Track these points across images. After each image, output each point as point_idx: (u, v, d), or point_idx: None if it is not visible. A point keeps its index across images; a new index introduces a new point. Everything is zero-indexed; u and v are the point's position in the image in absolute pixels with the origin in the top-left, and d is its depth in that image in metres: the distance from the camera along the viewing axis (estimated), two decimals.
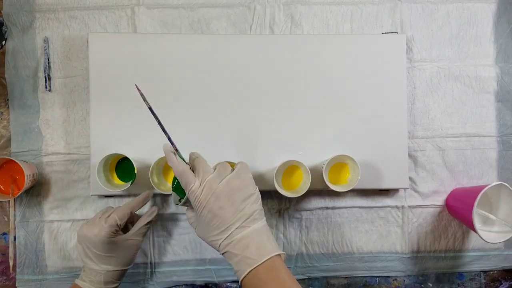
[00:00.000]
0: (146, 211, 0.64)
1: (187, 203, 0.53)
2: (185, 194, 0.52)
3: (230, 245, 0.49)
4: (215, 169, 0.52)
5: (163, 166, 0.67)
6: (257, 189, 0.53)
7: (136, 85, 0.51)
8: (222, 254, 0.51)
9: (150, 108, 0.51)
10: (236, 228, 0.49)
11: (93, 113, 0.66)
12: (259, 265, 0.47)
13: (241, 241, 0.49)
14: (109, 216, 0.59)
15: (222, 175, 0.51)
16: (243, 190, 0.51)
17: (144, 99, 0.51)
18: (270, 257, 0.48)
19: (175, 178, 0.57)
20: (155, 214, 0.63)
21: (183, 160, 0.53)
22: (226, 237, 0.49)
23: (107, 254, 0.58)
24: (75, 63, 0.69)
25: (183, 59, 0.67)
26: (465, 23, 0.73)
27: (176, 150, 0.53)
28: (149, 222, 0.62)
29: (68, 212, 0.69)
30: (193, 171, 0.51)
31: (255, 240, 0.49)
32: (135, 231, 0.61)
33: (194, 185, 0.50)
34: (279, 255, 0.49)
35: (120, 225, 0.59)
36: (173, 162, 0.51)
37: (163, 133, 0.52)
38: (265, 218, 0.52)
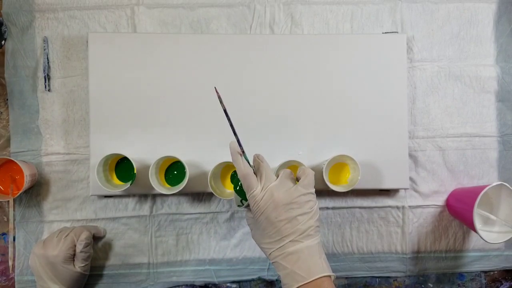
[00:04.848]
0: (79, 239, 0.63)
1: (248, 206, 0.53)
2: (245, 197, 0.52)
3: (280, 256, 0.49)
4: (277, 176, 0.52)
5: (162, 166, 0.67)
6: (317, 204, 0.52)
7: (215, 87, 0.50)
8: (272, 263, 0.50)
9: (225, 111, 0.51)
10: (289, 241, 0.49)
11: (93, 113, 0.66)
12: (307, 283, 0.47)
13: (292, 255, 0.48)
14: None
15: (284, 184, 0.51)
16: (302, 205, 0.50)
17: (221, 102, 0.50)
18: (319, 277, 0.47)
19: (238, 180, 0.56)
20: (83, 243, 0.62)
21: (248, 162, 0.51)
22: (278, 247, 0.49)
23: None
24: (75, 63, 0.69)
25: (182, 59, 0.67)
26: (465, 23, 0.72)
27: (243, 152, 0.52)
28: (87, 246, 0.63)
29: (68, 212, 0.69)
30: (255, 174, 0.51)
31: (306, 257, 0.48)
32: (78, 260, 0.62)
33: (255, 190, 0.50)
34: (329, 276, 0.48)
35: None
36: (238, 164, 0.50)
37: (233, 134, 0.51)
38: (320, 235, 0.52)
